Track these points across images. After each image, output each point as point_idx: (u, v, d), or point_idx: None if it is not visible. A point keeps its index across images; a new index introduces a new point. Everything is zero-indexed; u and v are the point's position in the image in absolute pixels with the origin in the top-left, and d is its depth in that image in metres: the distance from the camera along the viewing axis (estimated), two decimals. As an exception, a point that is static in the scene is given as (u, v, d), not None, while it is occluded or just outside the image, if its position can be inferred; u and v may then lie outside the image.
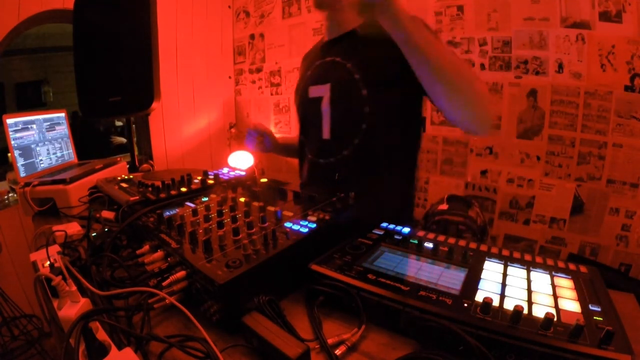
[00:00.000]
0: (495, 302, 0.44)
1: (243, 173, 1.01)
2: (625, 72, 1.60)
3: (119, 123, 4.27)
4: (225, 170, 1.05)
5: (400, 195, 1.02)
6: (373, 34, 0.90)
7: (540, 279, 0.51)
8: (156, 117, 2.64)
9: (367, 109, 0.92)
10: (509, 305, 0.44)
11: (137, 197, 0.82)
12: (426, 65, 0.74)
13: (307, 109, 1.07)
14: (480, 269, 0.53)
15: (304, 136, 1.13)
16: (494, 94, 1.93)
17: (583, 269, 0.54)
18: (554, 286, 0.49)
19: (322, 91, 0.99)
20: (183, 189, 0.87)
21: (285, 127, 2.90)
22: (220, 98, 3.09)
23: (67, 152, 1.46)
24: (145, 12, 1.33)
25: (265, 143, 1.18)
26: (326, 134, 1.00)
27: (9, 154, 1.22)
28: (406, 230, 0.68)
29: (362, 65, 0.93)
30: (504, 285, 0.49)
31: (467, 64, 0.83)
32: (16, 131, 1.22)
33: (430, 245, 0.60)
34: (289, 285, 0.57)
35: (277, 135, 1.23)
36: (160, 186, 0.88)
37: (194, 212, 0.69)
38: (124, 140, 4.03)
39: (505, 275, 0.52)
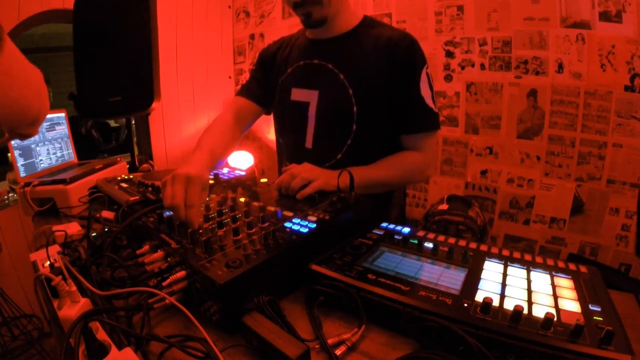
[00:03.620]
0: (495, 302, 0.44)
1: (243, 173, 1.01)
2: (625, 72, 1.60)
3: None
4: (225, 170, 1.05)
5: (380, 209, 1.01)
6: (367, 45, 0.89)
7: (540, 279, 0.51)
8: (156, 117, 2.63)
9: (355, 126, 0.91)
10: (509, 305, 0.44)
11: (137, 197, 0.82)
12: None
13: (288, 112, 1.02)
14: (480, 269, 0.53)
15: (282, 140, 1.08)
16: (494, 94, 1.93)
17: (583, 269, 0.54)
18: (554, 286, 0.49)
19: (308, 96, 0.95)
20: (183, 189, 0.86)
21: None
22: (220, 98, 3.09)
23: (67, 152, 1.46)
24: (145, 12, 1.33)
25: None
26: (309, 143, 0.97)
27: (9, 154, 1.22)
28: (406, 230, 0.68)
29: (355, 80, 0.90)
30: (504, 285, 0.49)
31: (410, 166, 0.94)
32: (16, 131, 1.22)
33: (430, 245, 0.60)
34: (289, 285, 0.57)
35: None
36: (161, 186, 0.87)
37: (194, 212, 0.69)
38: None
39: (505, 275, 0.52)
